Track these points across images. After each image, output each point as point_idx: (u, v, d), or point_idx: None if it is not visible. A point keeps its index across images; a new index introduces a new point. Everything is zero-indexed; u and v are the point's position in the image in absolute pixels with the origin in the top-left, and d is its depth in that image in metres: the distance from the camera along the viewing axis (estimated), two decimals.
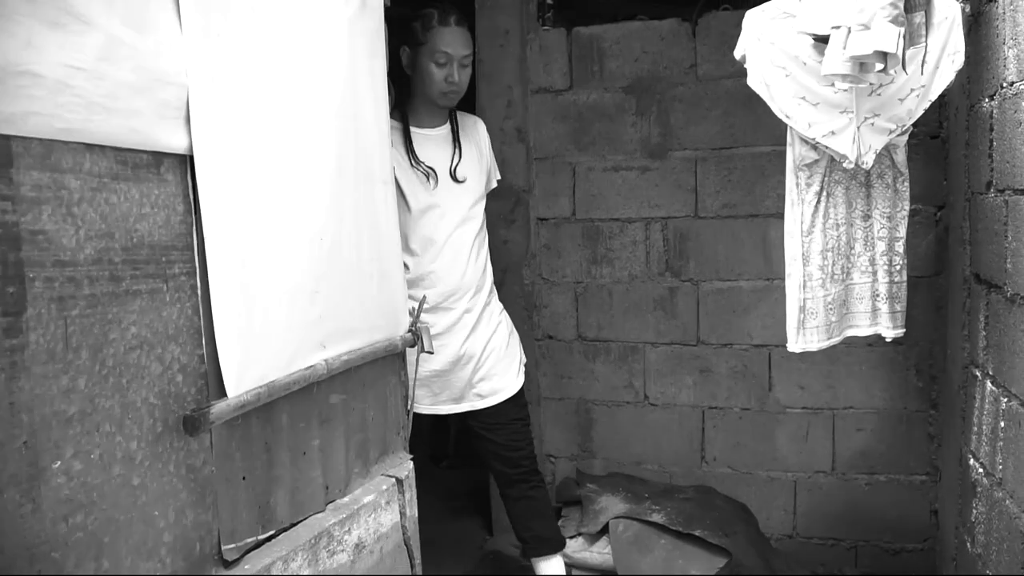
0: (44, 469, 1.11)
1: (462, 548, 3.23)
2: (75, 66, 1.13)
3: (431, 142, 2.50)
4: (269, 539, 1.55)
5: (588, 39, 3.17)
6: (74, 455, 1.15)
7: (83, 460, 1.17)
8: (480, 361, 2.55)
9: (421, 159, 2.45)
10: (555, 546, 2.67)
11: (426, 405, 2.55)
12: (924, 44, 1.74)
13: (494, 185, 2.71)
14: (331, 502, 1.75)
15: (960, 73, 2.53)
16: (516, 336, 2.72)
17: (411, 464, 2.06)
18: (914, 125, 2.75)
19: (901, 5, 1.57)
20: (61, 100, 1.12)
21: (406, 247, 2.45)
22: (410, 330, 2.09)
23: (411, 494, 2.02)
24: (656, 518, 2.76)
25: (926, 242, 2.88)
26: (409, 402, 2.12)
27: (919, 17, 1.65)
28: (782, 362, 3.04)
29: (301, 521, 1.65)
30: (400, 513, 1.96)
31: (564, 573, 2.69)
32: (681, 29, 3.07)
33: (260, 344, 1.48)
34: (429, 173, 2.44)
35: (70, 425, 1.15)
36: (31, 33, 1.07)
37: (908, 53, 1.73)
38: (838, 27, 1.63)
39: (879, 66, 1.65)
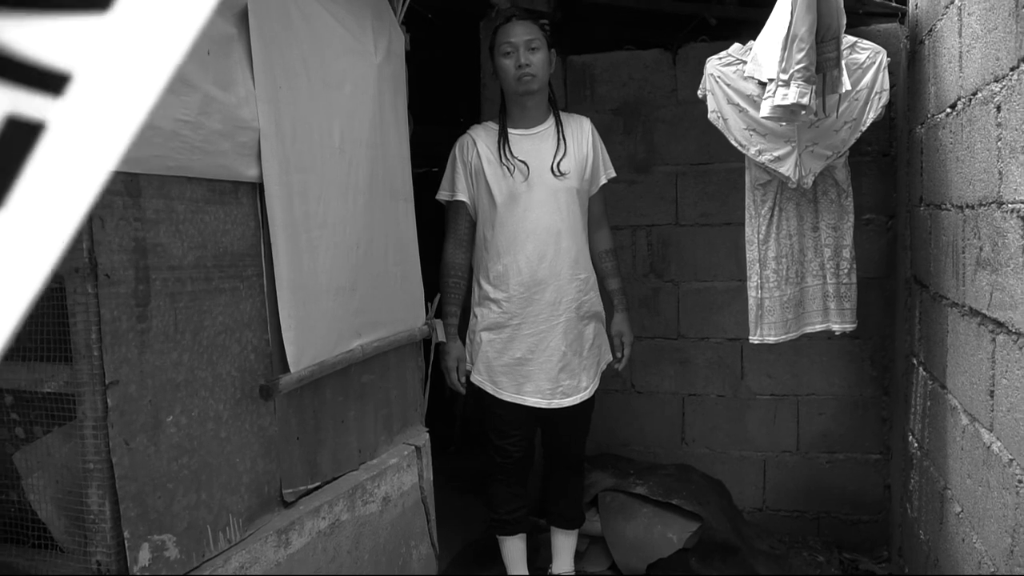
0: (162, 421, 1.49)
1: (468, 522, 3.59)
2: (182, 119, 1.51)
3: (528, 140, 2.66)
4: (317, 488, 1.93)
5: (581, 66, 3.54)
6: (181, 412, 1.53)
7: (187, 416, 1.55)
8: (564, 357, 2.65)
9: (516, 155, 2.62)
10: (574, 523, 2.99)
11: (509, 393, 2.66)
12: (839, 92, 2.12)
13: (603, 181, 2.81)
14: (363, 463, 2.13)
15: (903, 100, 2.93)
16: (604, 338, 2.83)
17: (427, 435, 2.45)
18: (869, 145, 3.16)
19: (813, 68, 1.94)
20: (172, 145, 1.50)
21: (490, 240, 2.66)
22: (426, 323, 2.47)
23: (427, 460, 2.40)
24: (639, 490, 3.13)
25: (878, 247, 3.25)
26: (426, 384, 2.49)
27: (835, 72, 2.03)
28: (752, 354, 3.41)
29: (341, 476, 2.03)
30: (419, 475, 2.33)
31: (575, 543, 3.01)
32: (663, 58, 3.44)
33: (312, 331, 1.86)
34: (514, 168, 2.61)
35: (178, 389, 1.53)
36: None
37: (831, 99, 2.11)
38: (772, 79, 2.02)
39: (803, 112, 2.03)
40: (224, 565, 1.57)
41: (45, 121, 0.17)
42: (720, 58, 2.43)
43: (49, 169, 0.17)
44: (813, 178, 2.41)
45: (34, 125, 0.17)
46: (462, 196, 2.70)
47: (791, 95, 1.95)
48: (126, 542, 1.40)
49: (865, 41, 2.36)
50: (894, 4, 2.69)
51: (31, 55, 0.16)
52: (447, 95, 4.83)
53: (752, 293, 2.58)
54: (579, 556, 3.07)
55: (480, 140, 2.69)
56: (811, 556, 3.30)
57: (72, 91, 0.17)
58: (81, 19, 0.16)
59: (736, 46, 2.45)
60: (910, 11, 2.75)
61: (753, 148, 2.40)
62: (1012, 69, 1.62)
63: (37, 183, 0.17)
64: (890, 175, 3.22)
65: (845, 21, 2.02)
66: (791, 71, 1.94)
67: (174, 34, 0.18)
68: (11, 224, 0.17)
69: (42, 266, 0.20)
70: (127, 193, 1.42)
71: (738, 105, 2.37)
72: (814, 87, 1.97)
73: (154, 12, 0.17)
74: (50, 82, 0.16)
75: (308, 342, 1.83)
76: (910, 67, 2.74)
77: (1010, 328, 1.68)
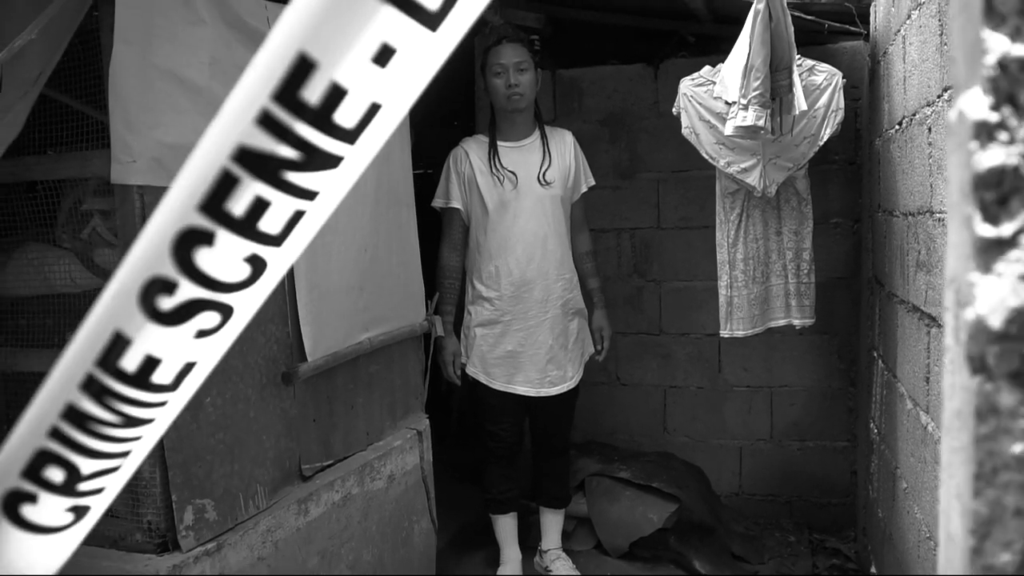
0: (201, 401, 1.72)
1: (463, 507, 3.81)
2: None
3: (515, 152, 2.89)
4: (331, 465, 2.17)
5: (569, 80, 3.78)
6: (217, 394, 1.76)
7: (222, 398, 1.78)
8: (551, 350, 2.89)
9: (505, 166, 2.85)
10: (562, 503, 3.24)
11: (501, 383, 2.89)
12: (794, 113, 2.37)
13: (584, 189, 3.05)
14: (371, 444, 2.36)
15: (866, 113, 3.17)
16: (587, 332, 3.08)
17: (427, 421, 2.68)
18: (836, 154, 3.40)
19: (768, 94, 2.19)
20: None
21: (482, 244, 2.90)
22: (426, 319, 2.71)
23: (427, 443, 2.63)
24: (623, 475, 3.36)
25: (845, 249, 3.49)
26: (426, 375, 2.73)
27: (789, 96, 2.28)
28: (729, 348, 3.64)
29: (351, 455, 2.26)
30: (420, 457, 2.57)
31: (562, 522, 3.26)
32: (646, 73, 3.68)
33: (326, 325, 2.09)
34: (505, 177, 2.85)
35: (214, 374, 1.73)
36: (195, 123, 1.68)
37: (787, 119, 2.36)
38: (735, 101, 2.27)
39: (761, 131, 2.28)
40: (254, 528, 1.80)
41: (305, 213, 0.40)
42: (692, 79, 2.68)
43: (305, 227, 0.41)
44: (776, 187, 2.65)
45: (300, 212, 0.41)
46: (456, 203, 2.92)
47: (749, 117, 2.20)
48: (173, 504, 1.63)
49: (823, 64, 2.60)
50: (853, 28, 2.93)
51: (307, 187, 0.39)
52: (443, 102, 5.06)
53: (722, 292, 2.83)
54: (567, 536, 3.30)
55: (472, 152, 2.92)
56: (783, 536, 3.54)
57: (317, 199, 0.40)
58: (329, 173, 0.40)
59: (707, 68, 2.69)
60: (871, 32, 3.00)
61: (722, 160, 2.64)
62: (938, 96, 1.86)
63: (299, 233, 0.41)
64: (856, 182, 3.46)
65: (796, 54, 2.27)
66: (749, 96, 2.19)
67: (357, 168, 0.42)
68: (283, 254, 0.41)
69: (283, 270, 0.44)
70: None
71: (708, 122, 2.61)
72: (769, 110, 2.22)
73: (361, 154, 0.41)
74: (308, 195, 0.40)
75: (323, 335, 2.06)
76: (871, 83, 2.99)
77: (940, 322, 1.93)
